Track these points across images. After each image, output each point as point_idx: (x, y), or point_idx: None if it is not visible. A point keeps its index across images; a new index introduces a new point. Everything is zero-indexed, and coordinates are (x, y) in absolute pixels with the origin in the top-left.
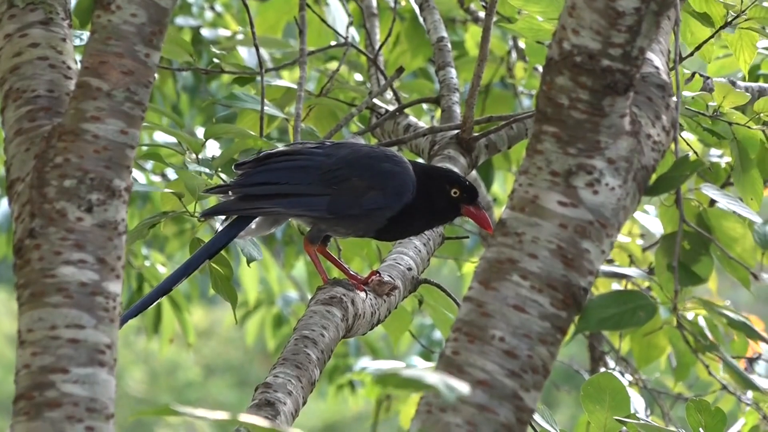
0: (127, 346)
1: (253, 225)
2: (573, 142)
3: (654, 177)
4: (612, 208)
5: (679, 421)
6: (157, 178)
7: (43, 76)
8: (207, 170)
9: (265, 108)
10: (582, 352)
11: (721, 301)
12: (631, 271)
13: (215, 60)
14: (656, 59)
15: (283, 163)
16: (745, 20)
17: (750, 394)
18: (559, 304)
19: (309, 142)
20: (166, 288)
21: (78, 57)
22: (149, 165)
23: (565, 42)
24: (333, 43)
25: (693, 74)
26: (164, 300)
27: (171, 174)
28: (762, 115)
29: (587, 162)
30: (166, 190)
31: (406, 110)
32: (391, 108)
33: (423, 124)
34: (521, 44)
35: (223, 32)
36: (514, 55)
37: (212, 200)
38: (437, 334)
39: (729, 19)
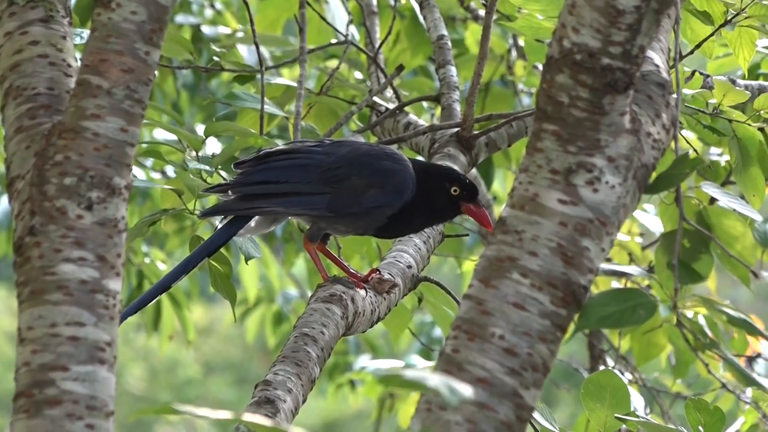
0: (127, 343)
1: (252, 223)
2: (573, 140)
3: (654, 175)
4: (612, 206)
5: (678, 420)
6: (156, 175)
7: (43, 73)
8: (207, 168)
9: (265, 106)
10: (581, 351)
11: (721, 300)
12: (631, 269)
13: (215, 58)
14: (656, 57)
15: (282, 162)
16: (745, 18)
17: (749, 392)
18: (559, 302)
19: (308, 141)
20: (165, 285)
21: (78, 55)
22: (149, 162)
23: (566, 40)
24: (333, 41)
25: (693, 72)
26: (164, 297)
27: (171, 171)
28: (762, 112)
29: (587, 160)
30: (166, 187)
31: (406, 108)
32: (391, 106)
33: (423, 122)
34: (521, 42)
35: (223, 30)
36: (514, 53)
37: (213, 197)
38: (437, 332)
39: (729, 17)
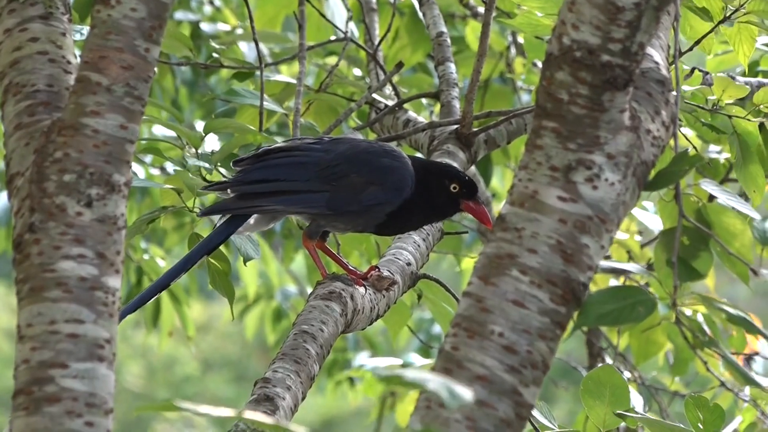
0: (125, 340)
1: (251, 221)
2: (572, 137)
3: (653, 172)
4: (611, 204)
5: (676, 418)
6: (156, 171)
7: (42, 70)
8: (206, 165)
9: (265, 103)
10: (580, 348)
11: (720, 298)
12: (630, 266)
13: (214, 55)
14: (656, 54)
15: (280, 160)
16: (744, 14)
17: (748, 390)
18: (559, 300)
19: (307, 138)
20: (164, 283)
21: (78, 52)
22: (148, 158)
23: (565, 37)
24: (332, 38)
25: (692, 69)
26: (163, 293)
27: (170, 167)
28: (762, 107)
29: (587, 157)
30: (166, 186)
31: (406, 105)
32: (390, 103)
33: (422, 119)
34: (520, 39)
35: (222, 27)
36: (513, 50)
37: (212, 194)
38: (436, 329)
39: (728, 14)
